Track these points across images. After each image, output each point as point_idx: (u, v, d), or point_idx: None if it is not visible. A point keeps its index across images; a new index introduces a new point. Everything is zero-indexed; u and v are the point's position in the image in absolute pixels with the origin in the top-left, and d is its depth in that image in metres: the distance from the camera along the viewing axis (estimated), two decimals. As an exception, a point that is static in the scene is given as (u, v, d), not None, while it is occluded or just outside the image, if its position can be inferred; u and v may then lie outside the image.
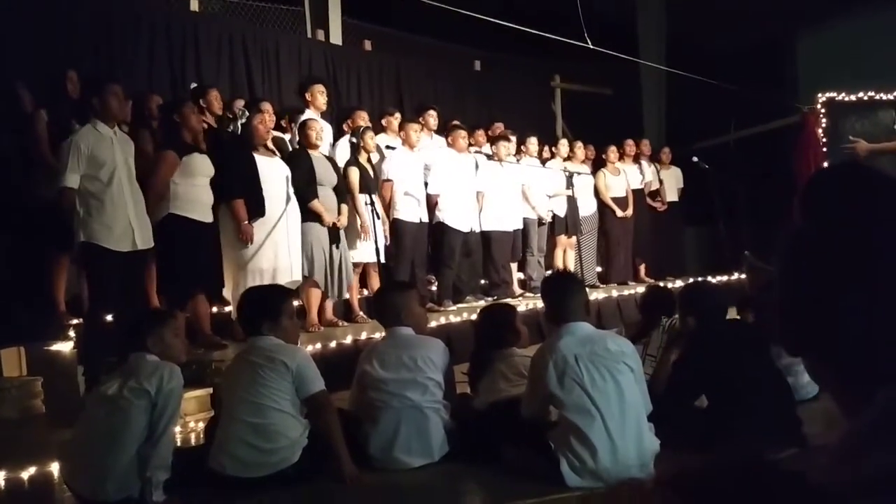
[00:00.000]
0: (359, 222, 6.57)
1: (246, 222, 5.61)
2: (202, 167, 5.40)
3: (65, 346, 5.20)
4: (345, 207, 6.44)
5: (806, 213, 0.81)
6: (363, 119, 7.31)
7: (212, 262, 5.46)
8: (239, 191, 5.64)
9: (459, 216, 7.42)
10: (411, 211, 7.10)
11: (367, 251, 6.50)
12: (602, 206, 9.35)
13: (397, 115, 7.90)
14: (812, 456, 3.45)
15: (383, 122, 7.76)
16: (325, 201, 6.27)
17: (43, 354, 5.22)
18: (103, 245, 4.75)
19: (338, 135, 7.44)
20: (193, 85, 6.85)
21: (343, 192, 6.47)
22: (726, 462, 0.62)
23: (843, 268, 0.83)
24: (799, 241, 0.90)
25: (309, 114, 6.91)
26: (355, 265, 6.66)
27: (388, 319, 4.11)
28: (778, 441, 3.61)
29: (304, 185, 6.13)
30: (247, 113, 6.11)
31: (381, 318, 4.26)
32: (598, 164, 9.66)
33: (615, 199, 9.40)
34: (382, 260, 6.44)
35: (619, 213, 9.36)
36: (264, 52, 8.66)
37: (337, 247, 6.28)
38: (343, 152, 7.00)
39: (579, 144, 9.36)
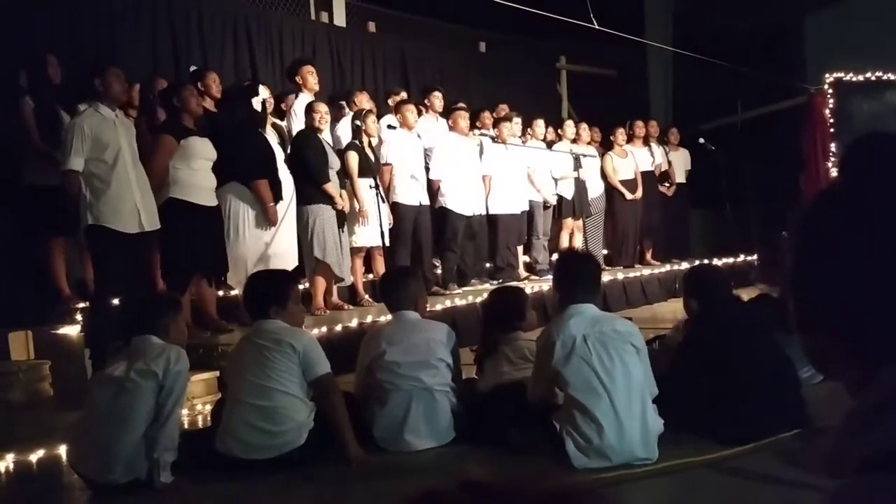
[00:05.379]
0: (357, 207, 6.51)
1: (271, 204, 5.57)
2: (202, 151, 5.32)
3: (72, 330, 5.22)
4: (345, 192, 6.42)
5: (844, 176, 0.76)
6: (365, 100, 7.25)
7: (214, 246, 5.41)
8: (261, 172, 5.59)
9: (462, 200, 7.38)
10: (410, 194, 7.03)
11: (371, 235, 6.48)
12: (610, 188, 9.27)
13: (403, 94, 7.84)
14: (817, 437, 3.46)
15: (389, 101, 7.71)
16: (334, 184, 6.24)
17: (50, 338, 5.24)
18: (111, 227, 4.72)
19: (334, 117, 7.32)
20: (193, 68, 6.79)
21: (343, 176, 6.44)
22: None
23: (877, 236, 0.78)
24: (830, 205, 0.85)
25: (304, 97, 6.80)
26: (358, 249, 6.62)
27: (400, 304, 4.08)
28: (782, 422, 3.62)
29: (319, 167, 6.05)
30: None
31: (390, 302, 4.21)
32: (604, 147, 9.59)
33: (623, 182, 9.28)
34: (388, 243, 6.43)
35: (629, 195, 9.25)
36: (268, 34, 8.61)
37: (343, 230, 6.28)
38: (344, 134, 6.96)
39: (585, 126, 9.29)
